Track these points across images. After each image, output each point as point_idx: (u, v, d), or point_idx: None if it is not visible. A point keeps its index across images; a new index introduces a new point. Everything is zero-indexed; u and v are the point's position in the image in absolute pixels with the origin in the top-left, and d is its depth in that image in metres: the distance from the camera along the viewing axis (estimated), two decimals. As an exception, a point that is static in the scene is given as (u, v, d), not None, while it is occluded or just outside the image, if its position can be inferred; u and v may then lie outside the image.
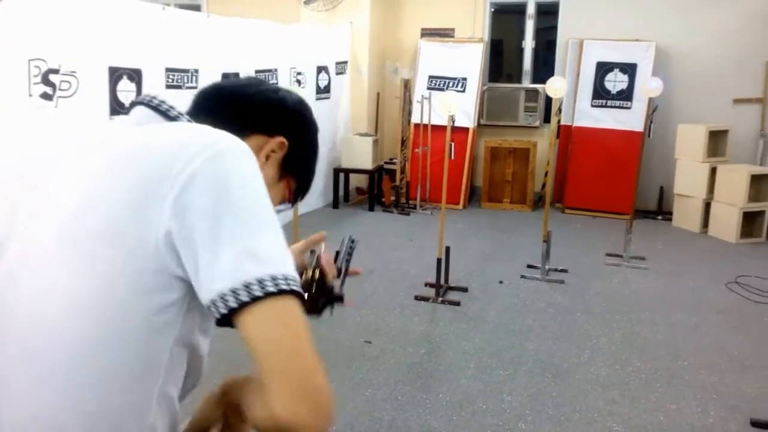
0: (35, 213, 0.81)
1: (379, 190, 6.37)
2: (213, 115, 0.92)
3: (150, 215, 0.73)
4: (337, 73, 6.31)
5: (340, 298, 1.09)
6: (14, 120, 2.94)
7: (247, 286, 0.70)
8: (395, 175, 6.39)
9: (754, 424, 2.54)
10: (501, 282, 4.18)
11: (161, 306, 0.75)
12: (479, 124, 6.62)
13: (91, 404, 0.74)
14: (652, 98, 4.67)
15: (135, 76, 3.70)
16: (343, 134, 6.39)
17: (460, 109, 5.28)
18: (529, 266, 4.45)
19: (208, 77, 4.36)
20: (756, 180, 5.26)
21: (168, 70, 4.03)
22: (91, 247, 0.75)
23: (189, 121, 0.88)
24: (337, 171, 6.22)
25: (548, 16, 6.68)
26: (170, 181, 0.74)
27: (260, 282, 0.70)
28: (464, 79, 6.46)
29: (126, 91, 3.64)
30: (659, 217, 6.10)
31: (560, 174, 6.34)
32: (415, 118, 6.39)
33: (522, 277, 4.28)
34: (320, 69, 6.00)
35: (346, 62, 6.46)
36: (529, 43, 6.76)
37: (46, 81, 3.08)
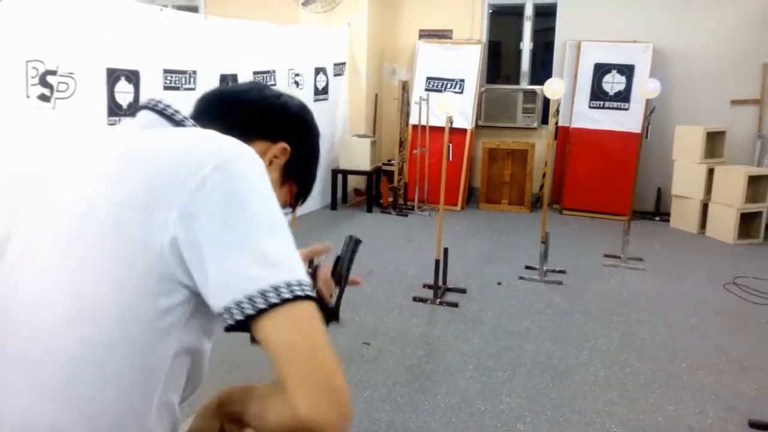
0: (35, 214, 0.81)
1: (377, 191, 6.37)
2: (216, 121, 0.92)
3: (155, 219, 0.73)
4: (335, 75, 6.31)
5: (335, 317, 1.08)
6: (13, 121, 2.94)
7: (263, 294, 0.70)
8: (393, 176, 6.39)
9: (753, 425, 2.54)
10: (499, 283, 4.18)
11: (164, 310, 0.74)
12: (477, 126, 6.63)
13: (91, 408, 0.73)
14: (650, 99, 4.68)
15: (133, 77, 3.70)
16: (341, 135, 6.39)
17: (458, 110, 5.28)
18: (528, 267, 4.46)
19: (206, 79, 4.36)
20: (753, 181, 5.27)
21: (166, 71, 4.03)
22: (91, 248, 0.75)
23: (194, 125, 0.88)
24: (335, 172, 6.22)
25: (546, 17, 6.69)
26: (178, 186, 0.74)
27: (276, 289, 0.71)
28: (462, 80, 6.47)
29: (124, 92, 3.63)
30: (657, 218, 6.11)
31: (558, 175, 6.35)
32: (413, 120, 6.39)
33: (520, 278, 4.28)
34: (318, 70, 6.00)
35: (344, 64, 6.46)
36: (527, 45, 6.76)
37: (43, 82, 3.08)
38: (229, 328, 0.73)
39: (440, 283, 3.88)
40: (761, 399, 2.76)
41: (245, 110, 0.99)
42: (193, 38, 4.28)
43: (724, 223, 5.36)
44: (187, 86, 4.19)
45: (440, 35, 6.77)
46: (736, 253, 5.03)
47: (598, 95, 6.18)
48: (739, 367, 3.06)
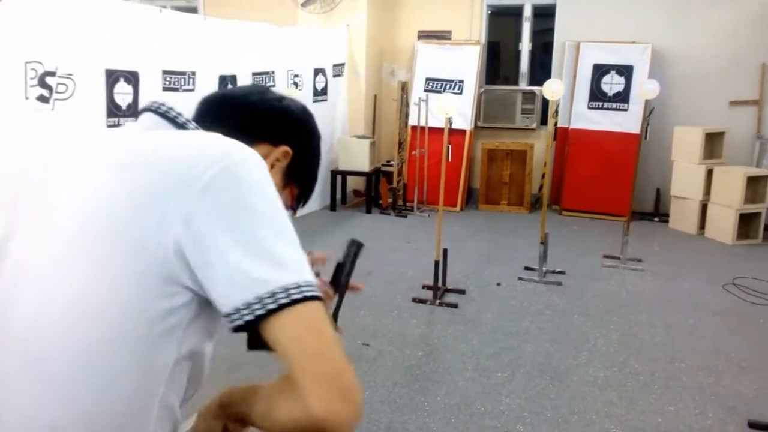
0: (35, 215, 0.81)
1: (376, 192, 6.37)
2: (218, 123, 0.92)
3: (157, 220, 0.73)
4: (335, 76, 6.31)
5: (333, 326, 1.08)
6: (12, 122, 2.93)
7: (273, 294, 0.71)
8: (392, 177, 6.39)
9: (752, 425, 2.55)
10: (498, 284, 4.18)
11: (166, 312, 0.74)
12: (476, 126, 6.63)
13: (91, 409, 0.73)
14: (649, 100, 4.69)
15: (132, 78, 3.70)
16: (341, 136, 6.39)
17: (457, 111, 5.29)
18: (527, 268, 4.46)
19: (206, 80, 4.36)
20: (752, 182, 5.28)
21: (165, 72, 4.02)
22: (91, 249, 0.75)
23: (196, 128, 0.88)
24: (334, 173, 6.22)
25: (545, 18, 6.70)
26: (182, 189, 0.74)
27: (285, 290, 0.72)
28: (461, 81, 6.47)
29: (123, 93, 3.63)
30: (656, 219, 6.12)
31: (557, 176, 6.35)
32: (413, 121, 6.39)
33: (519, 279, 4.28)
34: (317, 71, 6.00)
35: (343, 64, 6.46)
36: (525, 46, 6.77)
37: (42, 83, 3.08)
38: (237, 329, 0.74)
39: (439, 284, 3.88)
40: (760, 399, 2.76)
41: (248, 113, 0.99)
42: (192, 39, 4.28)
43: (723, 223, 5.36)
44: (187, 87, 4.19)
45: (439, 36, 6.77)
46: (735, 254, 5.04)
47: (597, 96, 6.19)
48: (738, 367, 3.06)
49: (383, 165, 6.59)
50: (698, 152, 5.54)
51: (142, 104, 3.98)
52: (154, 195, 0.75)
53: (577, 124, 6.25)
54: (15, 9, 2.93)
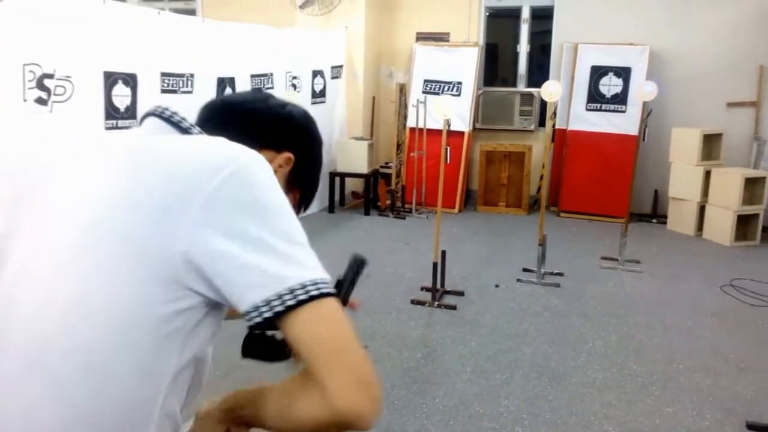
0: (35, 215, 0.81)
1: (374, 194, 6.37)
2: (221, 129, 0.92)
3: (163, 225, 0.73)
4: (333, 78, 6.32)
5: None
6: (10, 124, 2.93)
7: (291, 291, 0.72)
8: (391, 179, 6.40)
9: (750, 426, 2.55)
10: (497, 286, 4.18)
11: (170, 315, 0.74)
12: (474, 128, 6.64)
13: (91, 413, 0.73)
14: (647, 102, 4.69)
15: (130, 80, 3.70)
16: (339, 138, 6.40)
17: (455, 113, 5.29)
18: (525, 270, 4.46)
19: (204, 82, 4.37)
20: (750, 183, 5.29)
21: (163, 74, 4.02)
22: (91, 251, 0.75)
23: (200, 133, 0.89)
24: (332, 175, 6.22)
25: (543, 20, 6.71)
26: (190, 193, 0.74)
27: (303, 287, 0.73)
28: (459, 83, 6.48)
29: (121, 95, 3.63)
30: (654, 221, 6.12)
31: (555, 178, 6.36)
32: (411, 122, 6.40)
33: (518, 280, 4.28)
34: (316, 73, 6.01)
35: (341, 66, 6.47)
36: (524, 47, 6.78)
37: (41, 86, 3.08)
38: (255, 327, 0.75)
39: (438, 285, 3.88)
40: (759, 401, 2.77)
41: (251, 119, 1.00)
42: (190, 41, 4.28)
43: (721, 225, 5.37)
44: (185, 89, 4.19)
45: (437, 38, 6.78)
46: (733, 255, 5.04)
47: (595, 98, 6.20)
48: (736, 369, 3.07)
49: (381, 167, 6.59)
50: (696, 154, 5.55)
51: (140, 106, 3.97)
52: (156, 198, 0.74)
53: (575, 125, 6.25)
54: (13, 10, 2.93)
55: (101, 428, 0.73)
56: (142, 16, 3.87)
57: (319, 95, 6.09)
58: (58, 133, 3.09)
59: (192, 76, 4.26)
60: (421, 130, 6.20)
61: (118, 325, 0.73)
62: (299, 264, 0.75)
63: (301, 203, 1.08)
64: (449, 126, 4.00)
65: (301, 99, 5.37)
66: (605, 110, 6.16)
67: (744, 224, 5.35)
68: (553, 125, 6.11)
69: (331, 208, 6.24)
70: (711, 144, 5.64)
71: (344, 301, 1.13)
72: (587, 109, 6.22)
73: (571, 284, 4.23)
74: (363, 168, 6.11)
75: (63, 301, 0.74)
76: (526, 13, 6.71)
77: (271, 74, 5.24)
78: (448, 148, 3.99)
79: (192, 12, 7.19)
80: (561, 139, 6.32)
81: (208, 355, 0.85)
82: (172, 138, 0.85)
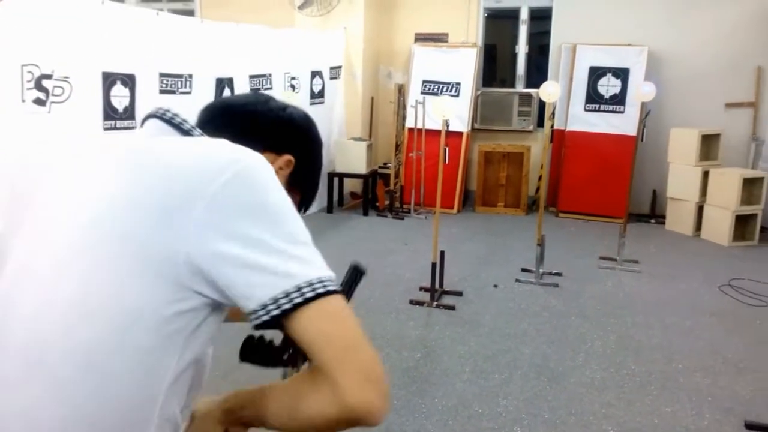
0: (35, 215, 0.81)
1: (373, 194, 6.37)
2: (221, 131, 0.92)
3: (165, 226, 0.73)
4: (331, 78, 6.32)
5: None
6: (8, 125, 2.93)
7: (298, 289, 0.73)
8: (389, 179, 6.40)
9: (749, 426, 2.55)
10: (496, 286, 4.18)
11: (171, 315, 0.74)
12: (473, 129, 6.64)
13: (91, 411, 0.73)
14: (645, 102, 4.70)
15: (128, 81, 3.70)
16: (338, 138, 6.39)
17: (454, 113, 5.29)
18: (524, 270, 4.46)
19: (202, 82, 4.36)
20: (748, 183, 5.29)
21: (162, 75, 4.02)
22: (91, 249, 0.75)
23: (201, 135, 0.89)
24: (331, 175, 6.22)
25: (541, 21, 6.71)
26: (193, 194, 0.74)
27: (310, 284, 0.73)
28: (458, 83, 6.48)
29: (119, 96, 3.63)
30: (652, 221, 6.13)
31: (554, 178, 6.36)
32: (409, 123, 6.40)
33: (516, 280, 4.29)
34: (314, 74, 6.01)
35: (340, 67, 6.47)
36: (522, 48, 6.79)
37: (39, 86, 3.07)
38: (262, 325, 0.75)
39: (437, 286, 3.88)
40: (757, 400, 2.77)
41: (251, 122, 1.00)
42: (189, 42, 4.28)
43: (719, 225, 5.38)
44: (183, 90, 4.19)
45: (436, 39, 6.78)
46: (732, 255, 5.05)
47: (593, 98, 6.20)
48: (735, 368, 3.07)
49: (380, 167, 6.59)
50: (694, 154, 5.56)
51: (138, 107, 3.96)
52: (156, 198, 0.74)
53: (573, 126, 6.26)
54: (12, 11, 2.93)
55: (101, 428, 0.73)
56: (141, 17, 3.87)
57: (317, 96, 6.09)
58: (56, 133, 3.08)
59: (191, 76, 4.25)
60: (419, 130, 6.20)
61: (117, 325, 0.73)
62: (305, 262, 0.75)
63: (301, 205, 1.08)
64: (448, 126, 4.00)
65: (299, 99, 5.37)
66: (604, 111, 6.16)
67: (742, 224, 5.36)
68: (552, 126, 6.12)
69: (329, 209, 6.24)
70: (709, 144, 5.65)
71: None
72: (586, 110, 6.22)
73: (569, 284, 4.24)
74: (362, 168, 6.11)
75: (63, 301, 0.74)
76: (524, 14, 6.72)
77: (270, 75, 5.23)
78: (447, 149, 3.99)
79: (190, 12, 7.19)
80: (559, 139, 6.33)
81: (208, 355, 0.85)
82: (173, 140, 0.85)
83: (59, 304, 0.74)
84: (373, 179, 6.38)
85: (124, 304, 0.73)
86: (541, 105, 6.25)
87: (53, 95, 3.16)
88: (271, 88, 5.21)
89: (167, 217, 0.73)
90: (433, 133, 5.88)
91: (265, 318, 0.73)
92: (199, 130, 0.89)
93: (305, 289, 0.73)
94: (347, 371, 0.72)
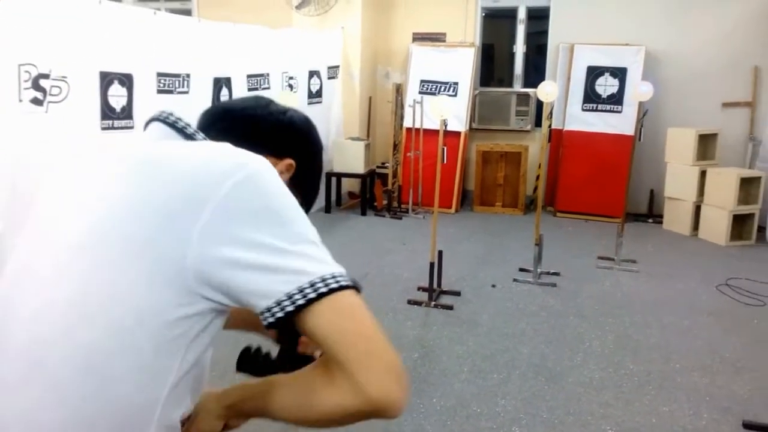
0: (35, 215, 0.81)
1: (371, 194, 6.37)
2: (222, 135, 0.92)
3: (162, 229, 0.73)
4: (329, 78, 6.31)
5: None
6: (5, 125, 2.92)
7: (312, 284, 0.73)
8: (387, 179, 6.40)
9: (747, 425, 2.56)
10: (494, 286, 4.18)
11: (175, 319, 0.74)
12: (471, 128, 6.64)
13: (91, 413, 0.73)
14: (643, 102, 4.71)
15: (126, 80, 3.69)
16: (335, 138, 6.39)
17: (451, 113, 5.28)
18: (522, 270, 4.47)
19: (200, 82, 4.35)
20: (745, 183, 5.30)
21: (159, 74, 4.01)
22: (92, 251, 0.75)
23: (204, 139, 0.88)
24: (329, 175, 6.21)
25: (539, 20, 6.72)
26: (199, 199, 0.74)
27: (323, 279, 0.74)
28: (456, 83, 6.48)
29: (117, 96, 3.62)
30: (650, 220, 6.14)
31: (552, 178, 6.37)
32: (407, 123, 6.40)
33: (514, 280, 4.29)
34: (312, 73, 6.00)
35: (337, 67, 6.46)
36: (520, 48, 6.79)
37: (36, 86, 3.06)
38: (271, 325, 0.75)
39: (435, 285, 3.88)
40: (755, 400, 2.78)
41: (252, 126, 1.00)
42: (186, 41, 4.27)
43: (716, 224, 5.39)
44: (181, 90, 4.18)
45: (434, 38, 6.78)
46: (729, 255, 5.06)
47: (591, 98, 6.21)
48: (732, 368, 3.08)
49: (378, 167, 6.59)
50: (692, 154, 5.57)
51: (136, 107, 3.95)
52: (160, 201, 0.74)
53: (571, 125, 6.27)
54: (9, 10, 2.92)
55: (101, 430, 0.73)
56: (138, 17, 3.86)
57: (315, 95, 6.08)
58: (55, 133, 3.07)
59: (188, 76, 4.24)
60: (417, 130, 6.20)
61: (118, 326, 0.72)
62: (317, 260, 0.76)
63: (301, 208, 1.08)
64: (446, 126, 4.00)
65: (297, 99, 5.36)
66: (601, 110, 6.17)
67: (739, 224, 5.37)
68: (550, 125, 6.11)
69: (327, 209, 6.24)
70: (706, 144, 5.66)
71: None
72: (583, 110, 6.23)
73: (567, 284, 4.24)
74: (359, 168, 6.11)
75: (63, 302, 0.74)
76: (522, 14, 6.72)
77: (268, 74, 5.23)
78: (445, 148, 3.99)
79: (188, 12, 7.18)
80: (557, 139, 6.34)
81: (207, 358, 0.85)
82: (176, 143, 0.85)
83: (59, 305, 0.74)
84: (371, 179, 6.37)
85: (124, 305, 0.72)
86: (539, 105, 6.25)
87: (50, 95, 3.15)
88: (268, 88, 5.21)
89: (172, 220, 0.73)
90: (431, 133, 5.87)
91: (279, 314, 0.73)
92: (202, 135, 0.89)
93: (318, 285, 0.73)
94: (366, 364, 0.72)
